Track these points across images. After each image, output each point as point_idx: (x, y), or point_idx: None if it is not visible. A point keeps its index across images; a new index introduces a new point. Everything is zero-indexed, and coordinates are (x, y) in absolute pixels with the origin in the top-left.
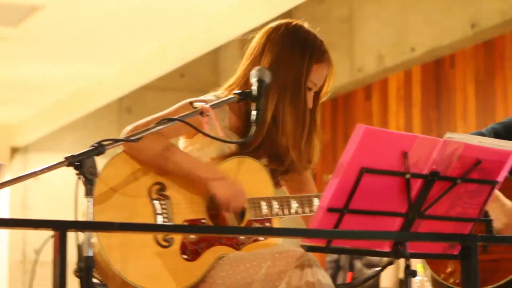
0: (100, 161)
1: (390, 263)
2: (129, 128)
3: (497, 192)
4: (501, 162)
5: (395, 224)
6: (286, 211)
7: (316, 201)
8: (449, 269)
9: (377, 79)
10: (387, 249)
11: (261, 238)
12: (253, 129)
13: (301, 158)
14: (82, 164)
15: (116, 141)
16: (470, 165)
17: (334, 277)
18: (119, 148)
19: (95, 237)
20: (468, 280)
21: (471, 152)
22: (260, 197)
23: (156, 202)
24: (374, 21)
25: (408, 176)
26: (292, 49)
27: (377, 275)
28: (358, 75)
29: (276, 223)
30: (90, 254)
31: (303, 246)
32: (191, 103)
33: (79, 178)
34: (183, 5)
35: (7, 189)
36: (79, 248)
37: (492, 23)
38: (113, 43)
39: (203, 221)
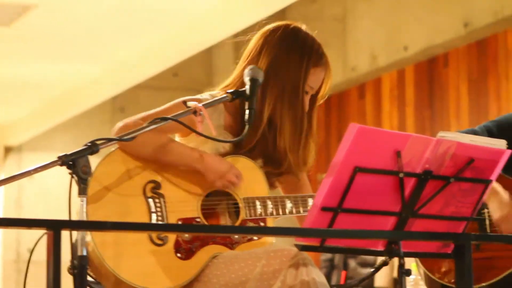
0: (94, 160)
1: (385, 264)
2: (120, 124)
3: (494, 184)
4: (493, 161)
5: (389, 223)
6: (280, 211)
7: (310, 201)
8: (443, 269)
9: (370, 78)
10: (380, 248)
11: (255, 238)
12: (246, 128)
13: (298, 161)
14: (75, 163)
15: (109, 140)
16: (463, 164)
17: (328, 276)
18: (112, 147)
19: (89, 236)
20: (462, 279)
21: (464, 151)
22: (255, 197)
23: (150, 200)
24: (367, 20)
25: (401, 175)
26: (290, 52)
27: (371, 276)
28: (351, 74)
29: (271, 223)
30: (84, 253)
31: (297, 246)
32: (184, 102)
33: (72, 177)
34: (176, 4)
35: (1, 189)
36: (73, 246)
37: (485, 22)
38: (106, 42)
39: (197, 220)
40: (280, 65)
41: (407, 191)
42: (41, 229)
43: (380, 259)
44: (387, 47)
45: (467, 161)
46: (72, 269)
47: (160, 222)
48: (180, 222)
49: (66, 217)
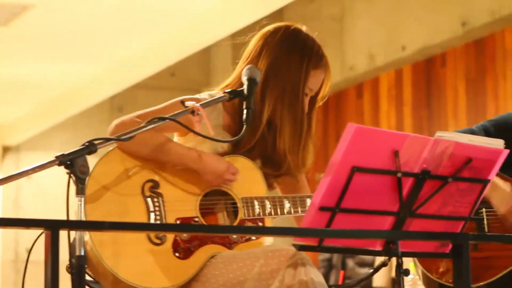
0: (92, 160)
1: (384, 265)
2: (116, 122)
3: (494, 178)
4: (491, 160)
5: (387, 223)
6: (279, 211)
7: (309, 202)
8: (441, 268)
9: (368, 78)
10: (378, 248)
11: (254, 238)
12: (244, 128)
13: (297, 163)
14: (73, 163)
15: (107, 140)
16: (461, 163)
17: (326, 276)
18: (111, 146)
19: (87, 235)
20: (460, 278)
21: (461, 150)
22: (253, 197)
23: (149, 200)
24: (365, 20)
25: (399, 174)
26: (290, 54)
27: (370, 277)
28: (349, 73)
29: (269, 223)
30: (82, 253)
31: (295, 245)
32: (182, 101)
33: (70, 177)
34: (174, 4)
35: None
36: (71, 245)
37: (482, 22)
38: (104, 42)
39: (195, 219)
40: (280, 67)
41: (405, 191)
42: (39, 229)
43: (378, 259)
44: (385, 46)
45: (465, 161)
46: (71, 268)
47: (158, 222)
48: (178, 222)
49: (64, 217)
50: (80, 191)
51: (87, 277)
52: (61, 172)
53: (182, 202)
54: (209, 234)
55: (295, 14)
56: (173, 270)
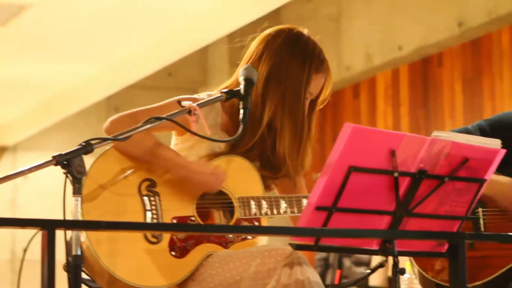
0: (89, 160)
1: (381, 266)
2: (112, 118)
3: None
4: (488, 160)
5: (383, 222)
6: (275, 211)
7: (305, 202)
8: (437, 267)
9: (365, 78)
10: (375, 247)
11: (250, 237)
12: (241, 128)
13: (296, 166)
14: (69, 163)
15: (104, 139)
16: (457, 163)
17: (323, 275)
18: (107, 146)
19: (84, 234)
20: (456, 278)
21: (458, 150)
22: (250, 196)
23: (145, 198)
24: (362, 20)
25: (396, 174)
26: (291, 58)
27: (366, 277)
28: (346, 73)
29: (265, 223)
30: (78, 252)
31: (291, 245)
32: (179, 101)
33: (67, 177)
34: (171, 4)
35: None
36: (68, 244)
37: (479, 22)
38: (101, 42)
39: (192, 218)
40: (282, 71)
41: (402, 190)
42: (36, 229)
43: (375, 258)
44: (382, 46)
45: (461, 160)
46: (67, 267)
47: (155, 220)
48: (175, 221)
49: (61, 217)
50: (77, 191)
51: (84, 276)
52: (58, 172)
53: (179, 201)
54: (205, 233)
55: (292, 13)
56: (169, 268)
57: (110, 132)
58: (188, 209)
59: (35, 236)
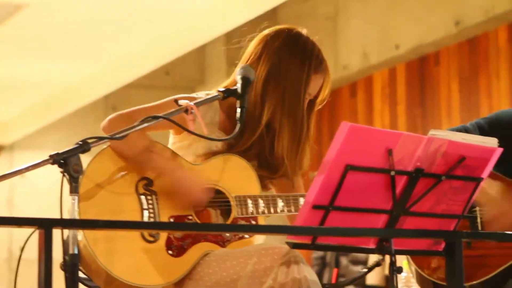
0: (86, 159)
1: (378, 265)
2: (110, 117)
3: (485, 183)
4: (485, 159)
5: (380, 221)
6: (272, 210)
7: (302, 201)
8: (433, 265)
9: (362, 77)
10: (372, 246)
11: (247, 236)
12: (238, 126)
13: (294, 166)
14: (66, 162)
15: (100, 138)
16: (454, 162)
17: (320, 274)
18: (104, 145)
19: (81, 233)
20: (453, 277)
21: (455, 149)
22: (247, 195)
23: (142, 197)
24: (359, 19)
25: (392, 173)
26: (291, 59)
27: (363, 276)
28: (343, 72)
29: (262, 222)
30: (75, 251)
31: (288, 243)
32: (175, 100)
33: (64, 176)
34: (168, 3)
35: None
36: (65, 243)
37: (475, 21)
38: (98, 41)
39: (189, 217)
40: (281, 71)
41: (399, 189)
42: (33, 228)
43: (372, 256)
44: (379, 45)
45: (458, 159)
46: (64, 266)
47: (152, 219)
48: (172, 219)
49: (58, 216)
50: (74, 190)
51: (81, 274)
52: (54, 171)
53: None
54: (202, 232)
55: (289, 13)
56: (166, 267)
57: (107, 131)
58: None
59: (32, 235)
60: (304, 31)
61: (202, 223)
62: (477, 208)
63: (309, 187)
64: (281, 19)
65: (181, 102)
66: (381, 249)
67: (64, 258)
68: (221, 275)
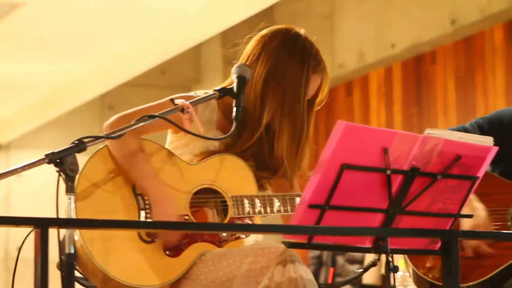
0: (83, 159)
1: (373, 265)
2: (112, 119)
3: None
4: (481, 157)
5: (376, 220)
6: (268, 210)
7: (298, 201)
8: (428, 264)
9: (358, 76)
10: (368, 245)
11: (243, 236)
12: (234, 126)
13: (294, 167)
14: (62, 161)
15: (96, 138)
16: (450, 160)
17: (316, 273)
18: (101, 144)
19: (77, 232)
20: (449, 276)
21: (451, 148)
22: (243, 195)
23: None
24: (354, 18)
25: (388, 172)
26: (290, 60)
27: (359, 276)
28: (339, 71)
29: (259, 222)
30: (72, 251)
31: (284, 243)
32: (172, 99)
33: (59, 175)
34: (164, 2)
35: None
36: (61, 243)
37: (471, 20)
38: (94, 41)
39: (186, 217)
40: (280, 72)
41: (395, 188)
42: (29, 227)
43: (368, 256)
44: (375, 44)
45: (454, 158)
46: (60, 266)
47: (148, 220)
48: None
49: (54, 215)
50: (70, 189)
51: (77, 274)
52: (51, 170)
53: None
54: (199, 232)
55: (285, 12)
56: (163, 268)
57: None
58: (181, 208)
59: (29, 235)
60: (302, 31)
61: (199, 223)
62: None
63: (305, 186)
64: (277, 18)
65: (177, 101)
66: (377, 248)
67: (60, 258)
68: (217, 274)
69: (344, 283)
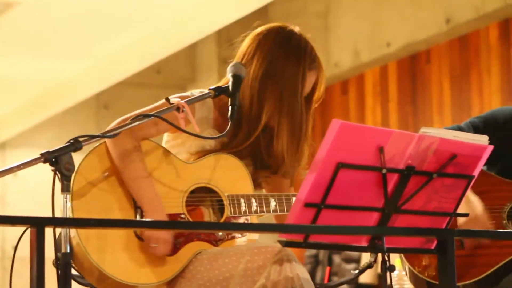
0: (78, 158)
1: (370, 266)
2: (114, 123)
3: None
4: (476, 156)
5: (372, 219)
6: (264, 209)
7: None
8: (424, 263)
9: (353, 74)
10: (364, 243)
11: (239, 235)
12: (230, 124)
13: (294, 166)
14: (58, 160)
15: (92, 137)
16: (445, 159)
17: (313, 272)
18: (96, 143)
19: (73, 231)
20: (445, 274)
21: (446, 146)
22: (239, 194)
23: None
24: (350, 17)
25: (384, 171)
26: (285, 57)
27: (356, 277)
28: (334, 70)
29: (255, 221)
30: (68, 250)
31: (280, 242)
32: (167, 99)
33: (55, 174)
34: (159, 1)
35: None
36: (57, 242)
37: (466, 19)
38: (89, 40)
39: (182, 216)
40: (277, 70)
41: (390, 187)
42: (25, 226)
43: (364, 255)
44: (370, 43)
45: (449, 156)
46: (56, 265)
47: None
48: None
49: (50, 214)
50: (66, 188)
51: (74, 272)
52: (47, 169)
53: (168, 199)
54: (195, 231)
55: (280, 11)
56: (159, 266)
57: (112, 141)
58: (178, 207)
59: (25, 233)
60: (296, 29)
61: (195, 221)
62: None
63: (301, 185)
64: (271, 17)
65: (172, 100)
66: (373, 247)
67: (56, 255)
68: (213, 273)
69: (341, 283)
